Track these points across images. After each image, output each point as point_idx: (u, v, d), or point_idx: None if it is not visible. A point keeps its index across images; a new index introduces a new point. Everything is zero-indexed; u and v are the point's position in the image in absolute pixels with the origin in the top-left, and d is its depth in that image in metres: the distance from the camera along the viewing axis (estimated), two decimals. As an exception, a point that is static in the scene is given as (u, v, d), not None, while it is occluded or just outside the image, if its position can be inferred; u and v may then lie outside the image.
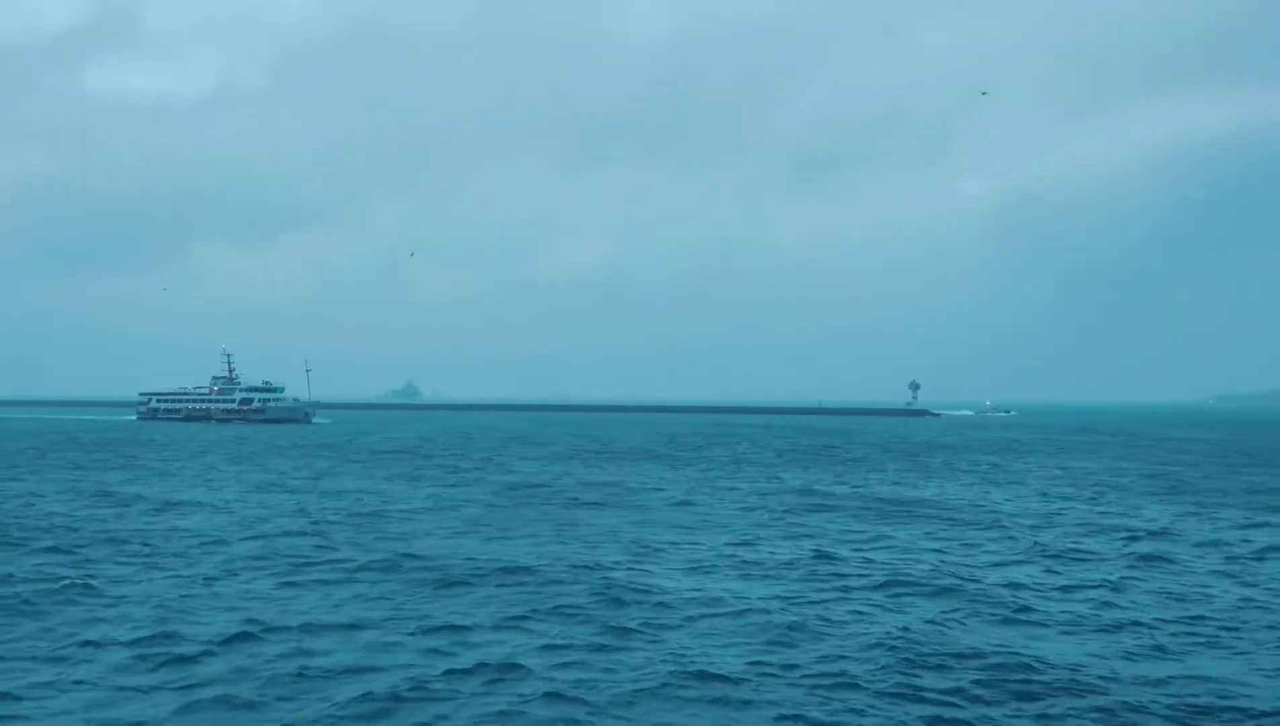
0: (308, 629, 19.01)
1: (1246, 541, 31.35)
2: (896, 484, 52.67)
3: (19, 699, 15.00)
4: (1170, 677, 16.25)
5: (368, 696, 15.01)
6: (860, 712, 14.59)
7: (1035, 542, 30.56)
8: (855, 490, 48.78)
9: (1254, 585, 24.15)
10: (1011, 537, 31.94)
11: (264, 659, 17.02)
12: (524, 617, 20.11)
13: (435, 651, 17.61)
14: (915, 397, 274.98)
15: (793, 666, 16.80)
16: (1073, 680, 15.94)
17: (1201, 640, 18.81)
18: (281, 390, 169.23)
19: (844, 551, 28.82)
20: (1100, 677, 16.13)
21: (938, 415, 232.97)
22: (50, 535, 30.99)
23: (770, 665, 16.84)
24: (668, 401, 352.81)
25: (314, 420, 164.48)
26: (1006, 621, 20.10)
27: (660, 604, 21.38)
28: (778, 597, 22.19)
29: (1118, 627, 19.63)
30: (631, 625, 19.41)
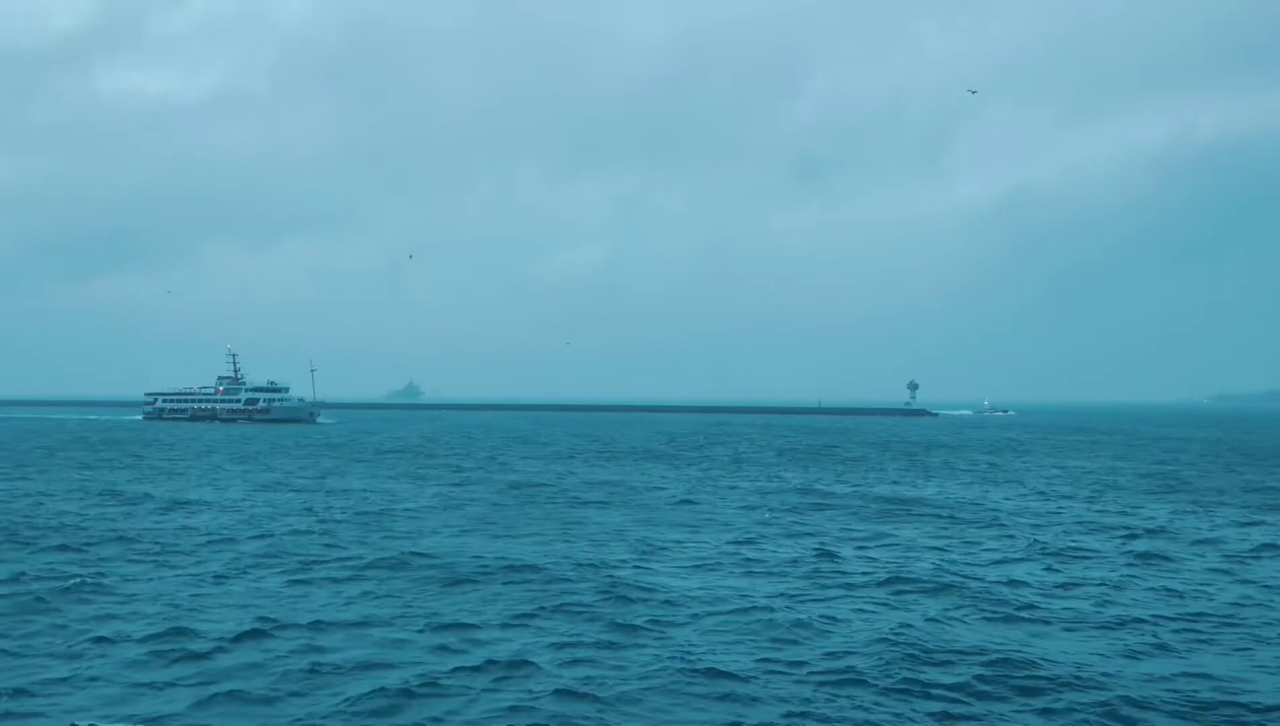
0: (318, 626, 19.22)
1: (1243, 539, 31.60)
2: (896, 483, 52.86)
3: (34, 695, 15.13)
4: (1172, 674, 16.45)
5: (380, 691, 15.20)
6: (867, 709, 14.77)
7: (1035, 541, 30.77)
8: (855, 489, 48.97)
9: (1252, 582, 24.38)
10: (1011, 536, 32.15)
11: (276, 655, 17.22)
12: (531, 615, 20.30)
13: (444, 648, 17.80)
14: (914, 397, 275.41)
15: (799, 663, 16.98)
16: (1075, 676, 16.13)
17: (1201, 636, 19.03)
18: (286, 390, 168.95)
19: (846, 549, 29.03)
20: (1102, 673, 16.33)
21: (936, 415, 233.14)
22: (60, 534, 31.18)
23: (777, 662, 17.02)
24: (667, 401, 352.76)
25: (318, 420, 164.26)
26: (1008, 618, 20.31)
27: (666, 601, 21.58)
28: (782, 595, 22.39)
29: (1118, 624, 19.84)
30: (638, 622, 19.60)
